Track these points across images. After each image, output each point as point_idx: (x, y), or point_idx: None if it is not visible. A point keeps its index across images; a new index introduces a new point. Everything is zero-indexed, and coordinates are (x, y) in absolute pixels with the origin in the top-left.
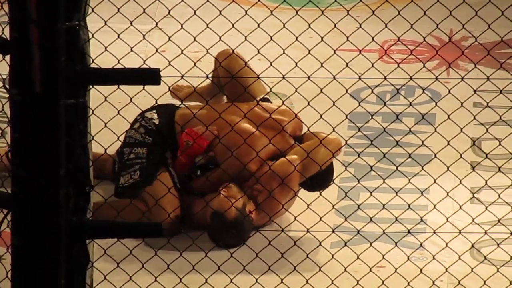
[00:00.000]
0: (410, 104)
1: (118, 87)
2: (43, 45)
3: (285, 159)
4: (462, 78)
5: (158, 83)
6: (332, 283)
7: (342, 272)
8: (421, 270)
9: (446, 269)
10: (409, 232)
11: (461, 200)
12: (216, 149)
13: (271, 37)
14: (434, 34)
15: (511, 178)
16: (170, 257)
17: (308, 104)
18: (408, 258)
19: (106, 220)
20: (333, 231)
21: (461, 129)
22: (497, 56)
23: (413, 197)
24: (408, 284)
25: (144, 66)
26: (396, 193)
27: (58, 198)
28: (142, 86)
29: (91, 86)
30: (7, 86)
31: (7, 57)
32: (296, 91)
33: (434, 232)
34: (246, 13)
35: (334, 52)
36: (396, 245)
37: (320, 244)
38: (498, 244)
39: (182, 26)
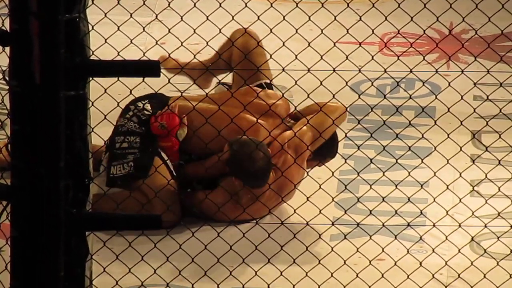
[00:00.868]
0: (410, 97)
1: (118, 79)
2: (43, 37)
3: (293, 131)
4: (462, 71)
5: (158, 75)
6: (332, 275)
7: (342, 265)
8: (420, 263)
9: (446, 262)
10: (408, 225)
11: (461, 193)
12: (213, 142)
13: (271, 30)
14: (434, 27)
15: (511, 171)
16: (169, 249)
17: (308, 96)
18: (407, 251)
19: (105, 212)
20: (332, 224)
21: (461, 122)
22: (497, 49)
23: (413, 190)
24: (408, 277)
25: (144, 58)
26: (396, 186)
27: (58, 190)
28: (141, 78)
29: (90, 78)
30: (7, 78)
31: (7, 49)
32: (296, 83)
33: (434, 225)
34: (246, 6)
35: (334, 45)
36: (395, 238)
37: (319, 237)
38: (498, 237)
39: (182, 18)
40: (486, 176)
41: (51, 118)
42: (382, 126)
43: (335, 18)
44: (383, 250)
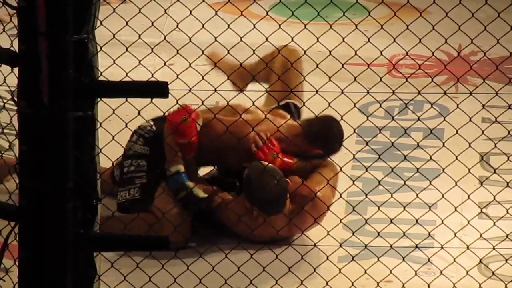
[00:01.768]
0: (419, 119)
1: (126, 100)
2: (52, 58)
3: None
4: (471, 93)
5: (166, 96)
6: None
7: (350, 287)
8: (428, 285)
9: (454, 284)
10: (416, 247)
11: (469, 215)
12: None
13: (279, 51)
14: (443, 49)
15: None
16: (176, 270)
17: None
18: (415, 273)
19: (113, 233)
20: (340, 246)
21: (470, 144)
22: (506, 71)
23: (421, 211)
24: None
25: (152, 79)
26: (404, 207)
27: (66, 210)
28: (150, 100)
29: (99, 99)
30: (15, 99)
31: (15, 70)
32: (304, 104)
33: (442, 247)
34: (254, 27)
35: (342, 66)
36: (403, 260)
37: (327, 259)
38: (506, 260)
39: (190, 39)
40: (494, 198)
41: (59, 138)
42: (390, 147)
43: (343, 39)
44: (391, 272)
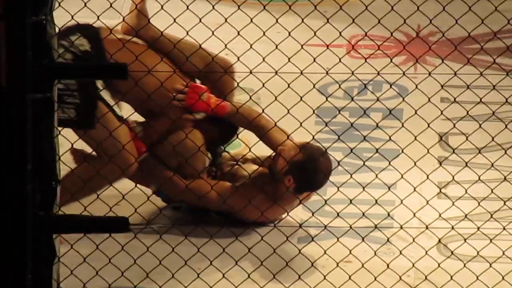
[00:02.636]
0: (378, 99)
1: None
2: (10, 40)
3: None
4: (430, 73)
5: (126, 78)
6: (299, 278)
7: (309, 267)
8: (388, 265)
9: (413, 264)
10: (376, 227)
11: (428, 195)
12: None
13: (238, 32)
14: (402, 30)
15: (478, 173)
16: (137, 251)
17: (276, 99)
18: (375, 253)
19: (73, 214)
20: (300, 226)
21: (429, 124)
22: (465, 51)
23: (380, 192)
24: (375, 279)
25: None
26: (363, 188)
27: (25, 192)
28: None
29: (57, 81)
30: None
31: None
32: (263, 86)
33: (401, 227)
34: (213, 8)
35: (302, 47)
36: (363, 240)
37: (287, 239)
38: (465, 239)
39: (149, 21)
40: (453, 178)
41: (18, 120)
42: (350, 128)
43: (302, 20)
44: (350, 252)
